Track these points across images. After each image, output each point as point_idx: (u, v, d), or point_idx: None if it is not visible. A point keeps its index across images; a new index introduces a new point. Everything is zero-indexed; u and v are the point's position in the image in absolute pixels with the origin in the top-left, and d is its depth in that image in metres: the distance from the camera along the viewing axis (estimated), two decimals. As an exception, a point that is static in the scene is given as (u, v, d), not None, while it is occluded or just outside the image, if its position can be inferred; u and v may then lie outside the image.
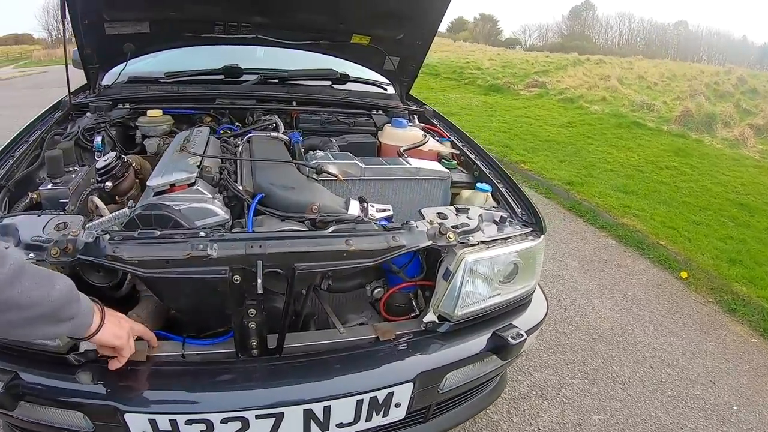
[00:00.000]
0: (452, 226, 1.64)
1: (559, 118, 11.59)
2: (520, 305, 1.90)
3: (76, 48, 2.60)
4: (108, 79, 2.69)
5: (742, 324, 3.85)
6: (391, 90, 3.09)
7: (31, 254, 1.32)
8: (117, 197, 1.92)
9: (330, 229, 1.47)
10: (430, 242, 1.55)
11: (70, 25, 2.27)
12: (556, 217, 5.66)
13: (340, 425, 1.48)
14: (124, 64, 2.65)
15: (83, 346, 1.41)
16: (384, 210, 1.70)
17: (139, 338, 1.44)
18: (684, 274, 4.47)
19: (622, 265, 4.58)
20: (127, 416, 1.33)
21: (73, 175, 1.80)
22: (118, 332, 1.30)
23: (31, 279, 1.03)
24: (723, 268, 4.61)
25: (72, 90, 2.48)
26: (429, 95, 14.37)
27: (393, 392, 1.50)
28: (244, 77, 2.86)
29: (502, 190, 2.09)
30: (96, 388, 1.38)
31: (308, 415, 1.41)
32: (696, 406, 2.88)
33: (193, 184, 1.61)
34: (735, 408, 2.92)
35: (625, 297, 4.00)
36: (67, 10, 2.20)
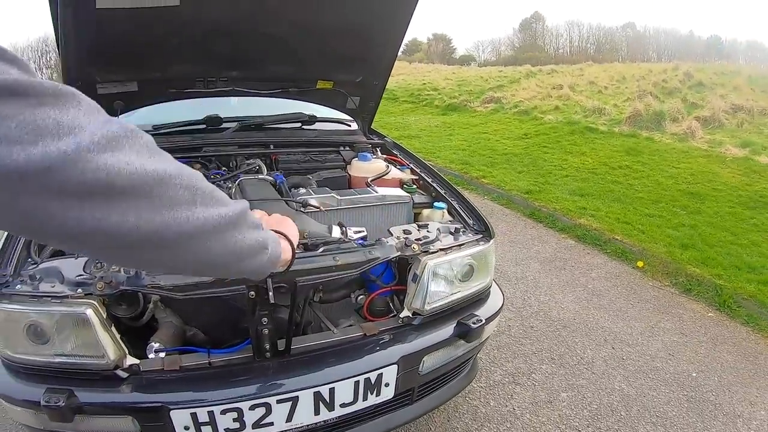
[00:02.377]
0: (416, 239, 2.04)
1: (515, 130, 12.07)
2: (479, 299, 2.31)
3: None
4: (99, 133, 2.97)
5: (698, 302, 4.27)
6: (354, 126, 3.45)
7: (79, 290, 1.65)
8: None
9: (320, 249, 1.84)
10: (399, 253, 1.96)
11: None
12: (517, 225, 6.07)
13: (343, 405, 1.84)
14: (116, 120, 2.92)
15: (127, 362, 1.75)
16: (360, 231, 2.07)
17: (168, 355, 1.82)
18: (640, 264, 4.87)
19: (582, 262, 4.98)
20: (173, 413, 1.66)
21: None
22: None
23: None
24: (676, 253, 5.04)
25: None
26: (389, 120, 14.79)
27: (382, 373, 1.88)
28: (225, 125, 3.15)
29: (456, 206, 2.49)
30: (146, 395, 1.71)
31: (317, 397, 1.77)
32: (656, 377, 3.24)
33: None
34: (694, 375, 3.28)
35: (585, 290, 4.39)
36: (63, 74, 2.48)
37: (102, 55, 2.55)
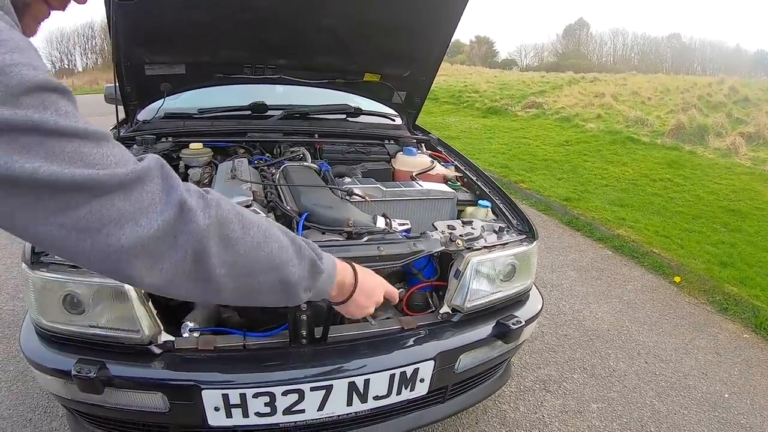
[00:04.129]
0: (460, 235, 2.01)
1: (556, 137, 11.92)
2: (519, 300, 2.27)
3: (107, 84, 2.84)
4: (144, 114, 3.00)
5: (734, 322, 4.13)
6: (399, 121, 3.45)
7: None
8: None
9: (364, 239, 1.84)
10: (443, 247, 1.94)
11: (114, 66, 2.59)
12: (555, 232, 5.99)
13: (376, 397, 1.82)
14: (162, 101, 2.95)
15: (162, 338, 1.75)
16: (404, 224, 2.06)
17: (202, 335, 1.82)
18: (677, 279, 4.75)
19: (618, 273, 4.89)
20: (204, 393, 1.66)
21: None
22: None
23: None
24: (715, 271, 4.88)
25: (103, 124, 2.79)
26: (429, 120, 14.72)
27: (418, 368, 1.85)
28: (270, 113, 3.19)
29: (500, 205, 2.47)
30: (179, 373, 1.71)
31: (351, 388, 1.75)
32: (689, 395, 3.14)
33: (250, 206, 1.95)
34: (726, 396, 3.18)
35: (621, 302, 4.30)
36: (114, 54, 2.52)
37: (151, 37, 2.58)
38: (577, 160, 9.47)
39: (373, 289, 1.21)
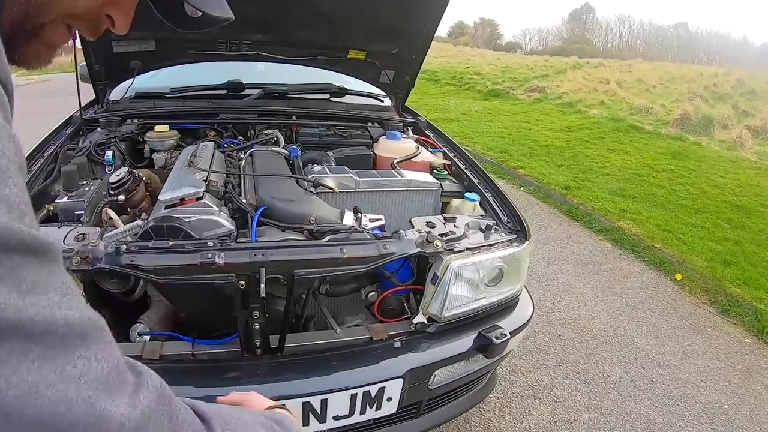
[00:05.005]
0: (439, 234, 1.77)
1: (557, 122, 11.64)
2: (506, 307, 2.03)
3: (84, 63, 2.71)
4: (116, 94, 2.82)
5: (736, 325, 3.93)
6: (387, 102, 3.21)
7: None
8: (129, 209, 2.05)
9: (326, 239, 1.60)
10: (418, 249, 1.69)
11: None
12: (553, 222, 5.77)
13: (336, 417, 1.61)
14: (132, 80, 2.77)
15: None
16: (377, 219, 1.83)
17: (153, 339, 1.59)
18: (678, 276, 4.55)
19: (617, 268, 4.68)
20: None
21: (87, 189, 1.93)
22: None
23: None
24: (717, 269, 4.68)
25: (82, 105, 2.61)
26: (429, 101, 14.45)
27: (384, 387, 1.63)
28: (247, 92, 2.97)
29: (490, 199, 2.21)
30: None
31: (307, 408, 1.54)
32: (686, 405, 2.96)
33: (201, 198, 1.74)
34: (725, 407, 3.00)
35: (619, 299, 4.10)
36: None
37: None
38: (579, 147, 9.21)
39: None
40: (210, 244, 1.51)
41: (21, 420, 0.40)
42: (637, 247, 5.12)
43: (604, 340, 3.50)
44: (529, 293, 2.21)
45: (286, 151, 2.30)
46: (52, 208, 1.87)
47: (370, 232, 1.72)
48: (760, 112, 12.26)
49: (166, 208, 1.74)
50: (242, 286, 1.47)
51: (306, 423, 1.58)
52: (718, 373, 3.30)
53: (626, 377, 3.14)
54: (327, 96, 3.07)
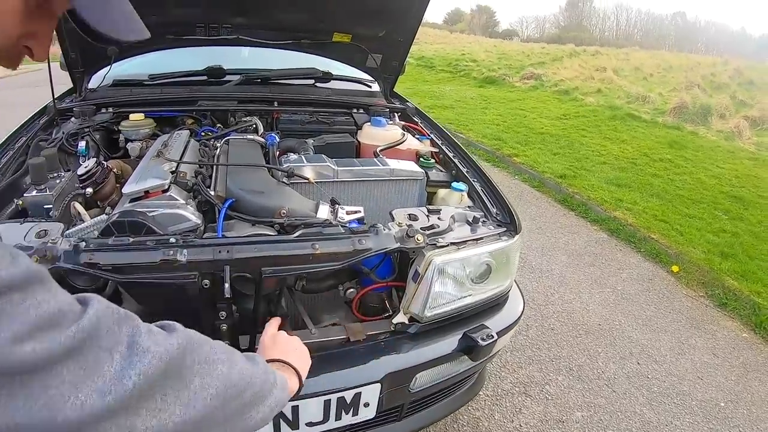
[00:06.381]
0: (422, 228, 1.65)
1: (553, 110, 11.53)
2: (494, 305, 1.91)
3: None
4: (94, 82, 2.72)
5: (733, 319, 3.85)
6: (375, 87, 3.10)
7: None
8: (98, 202, 1.94)
9: (296, 233, 1.48)
10: (398, 245, 1.57)
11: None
12: (547, 211, 5.68)
13: (309, 424, 1.50)
14: (109, 67, 2.66)
15: None
16: (355, 212, 1.71)
17: None
18: (675, 268, 4.47)
19: (613, 260, 4.59)
20: None
21: (57, 181, 1.82)
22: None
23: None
24: (715, 262, 4.59)
25: (58, 94, 2.50)
26: (423, 88, 14.40)
27: (360, 392, 1.52)
28: (228, 78, 2.86)
29: (479, 189, 2.08)
30: None
31: (278, 414, 1.43)
32: (682, 403, 2.88)
33: (166, 191, 1.62)
34: (722, 405, 2.92)
35: (614, 292, 4.00)
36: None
37: None
38: (575, 135, 9.10)
39: (304, 353, 1.17)
40: (172, 240, 1.40)
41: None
42: (633, 237, 5.03)
43: (599, 334, 3.41)
44: (519, 289, 2.09)
45: (263, 139, 2.18)
46: (21, 202, 1.76)
47: (346, 225, 1.60)
48: (758, 102, 12.21)
49: (131, 201, 1.63)
50: (206, 285, 1.36)
51: (278, 430, 1.48)
52: (714, 369, 3.22)
53: (621, 373, 3.04)
54: (312, 81, 2.94)
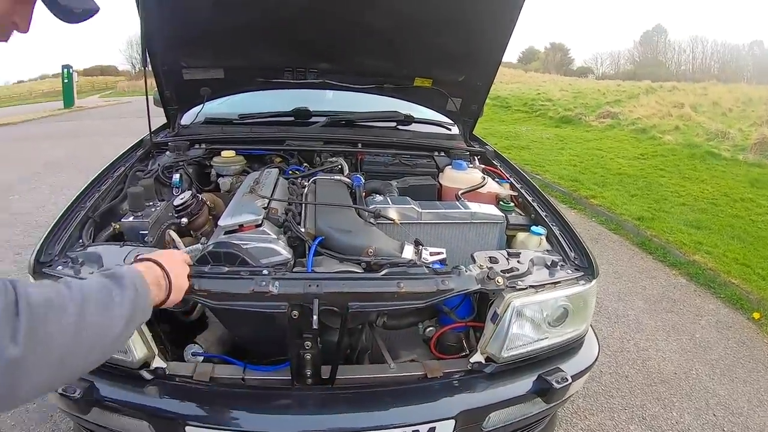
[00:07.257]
0: (502, 270, 1.71)
1: (631, 149, 11.31)
2: (570, 348, 1.93)
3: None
4: (186, 118, 2.94)
5: (817, 371, 3.67)
6: (455, 130, 3.18)
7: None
8: (192, 232, 2.09)
9: (383, 272, 1.57)
10: (479, 286, 1.63)
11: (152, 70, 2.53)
12: (625, 254, 5.56)
13: (384, 454, 1.57)
14: (201, 106, 2.87)
15: (155, 363, 1.62)
16: (438, 253, 1.78)
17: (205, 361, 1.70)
18: (756, 315, 4.29)
19: (691, 305, 4.45)
20: (188, 428, 1.50)
21: (153, 209, 1.99)
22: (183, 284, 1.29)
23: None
24: (800, 309, 4.40)
25: (153, 129, 2.71)
26: (499, 128, 14.39)
27: (435, 427, 1.58)
28: (314, 119, 3.02)
29: (557, 233, 2.13)
30: (165, 401, 1.57)
31: (357, 447, 1.51)
32: (759, 458, 2.76)
33: (259, 226, 1.75)
34: (802, 461, 2.78)
35: (692, 340, 3.88)
36: (148, 57, 2.44)
37: (186, 40, 2.55)
38: (653, 176, 8.89)
39: (174, 258, 1.30)
40: (265, 272, 1.51)
41: None
42: (713, 282, 4.86)
43: (675, 383, 3.31)
44: (595, 333, 2.10)
45: (349, 180, 2.29)
46: (117, 226, 1.94)
47: (430, 266, 1.68)
48: None
49: (226, 233, 1.76)
50: (295, 316, 1.46)
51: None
52: (796, 423, 3.06)
53: (696, 425, 2.94)
54: (393, 124, 3.07)
